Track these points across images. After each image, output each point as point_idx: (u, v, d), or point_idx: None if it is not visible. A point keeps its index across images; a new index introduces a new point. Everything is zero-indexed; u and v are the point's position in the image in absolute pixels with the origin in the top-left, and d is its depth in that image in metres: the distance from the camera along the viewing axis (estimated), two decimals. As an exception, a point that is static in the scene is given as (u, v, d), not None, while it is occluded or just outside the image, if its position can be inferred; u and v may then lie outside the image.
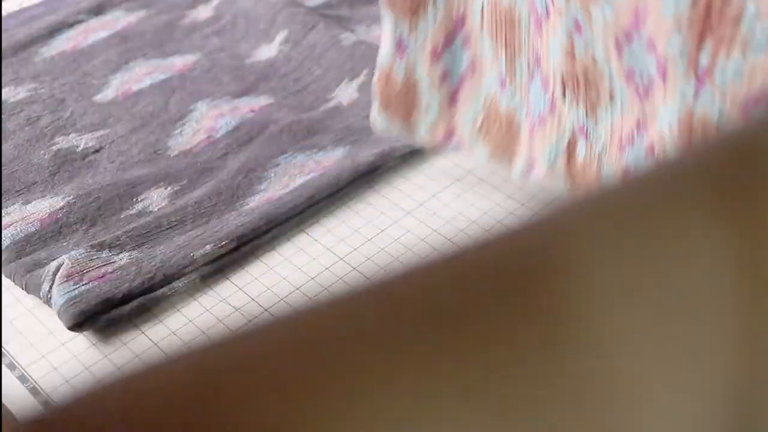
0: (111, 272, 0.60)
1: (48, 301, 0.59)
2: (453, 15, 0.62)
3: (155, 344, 0.59)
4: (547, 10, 0.59)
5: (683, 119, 0.53)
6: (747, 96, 0.50)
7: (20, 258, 0.62)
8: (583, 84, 0.58)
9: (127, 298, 0.59)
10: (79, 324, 0.58)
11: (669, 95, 0.53)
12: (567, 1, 0.59)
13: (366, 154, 0.70)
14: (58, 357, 0.58)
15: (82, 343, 0.59)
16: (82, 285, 0.59)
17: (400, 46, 0.63)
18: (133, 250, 0.62)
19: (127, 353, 0.59)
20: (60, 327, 0.60)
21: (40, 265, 0.61)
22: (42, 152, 0.70)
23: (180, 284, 0.60)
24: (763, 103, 0.48)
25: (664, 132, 0.53)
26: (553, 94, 0.58)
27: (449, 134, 0.62)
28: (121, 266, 0.61)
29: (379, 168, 0.69)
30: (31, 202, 0.66)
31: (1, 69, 0.77)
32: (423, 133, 0.63)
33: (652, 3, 0.55)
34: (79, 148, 0.71)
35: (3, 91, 0.76)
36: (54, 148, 0.71)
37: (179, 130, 0.73)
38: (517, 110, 0.60)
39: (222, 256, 0.62)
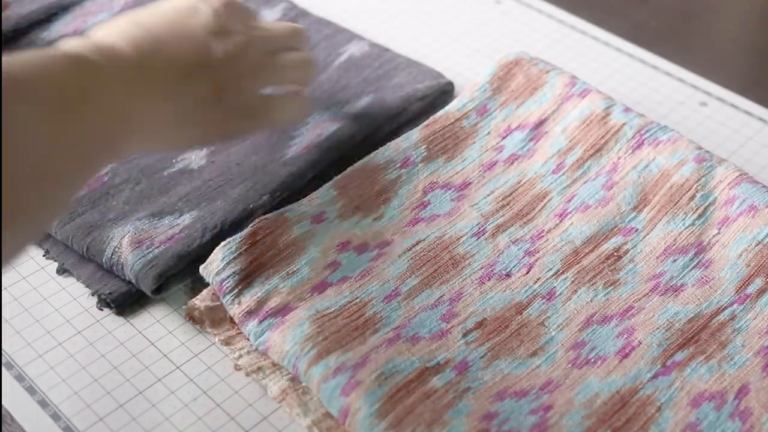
0: (179, 233, 0.63)
1: (110, 267, 0.62)
2: (383, 236, 0.63)
3: (152, 343, 0.59)
4: (509, 273, 0.60)
5: (623, 394, 0.54)
6: (702, 392, 0.54)
7: (74, 220, 0.64)
8: (508, 332, 0.57)
9: (201, 252, 0.62)
10: (159, 288, 0.61)
11: (616, 372, 0.55)
12: (548, 270, 0.60)
13: (392, 98, 0.74)
14: (54, 356, 0.58)
15: (79, 342, 0.59)
16: (155, 248, 0.61)
17: (320, 217, 0.63)
18: (193, 210, 0.65)
19: (125, 353, 0.59)
20: (57, 326, 0.60)
21: (96, 227, 0.63)
22: None
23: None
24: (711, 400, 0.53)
25: (574, 400, 0.53)
26: (451, 326, 0.57)
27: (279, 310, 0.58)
28: (187, 226, 0.63)
29: (404, 111, 0.73)
30: None
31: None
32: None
33: (649, 305, 0.58)
34: None
35: None
36: None
37: None
38: (384, 320, 0.57)
39: (276, 205, 0.66)
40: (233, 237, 0.61)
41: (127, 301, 0.61)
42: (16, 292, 0.62)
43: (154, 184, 0.67)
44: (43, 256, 0.65)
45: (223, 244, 0.60)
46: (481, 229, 0.63)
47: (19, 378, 0.57)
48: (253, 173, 0.68)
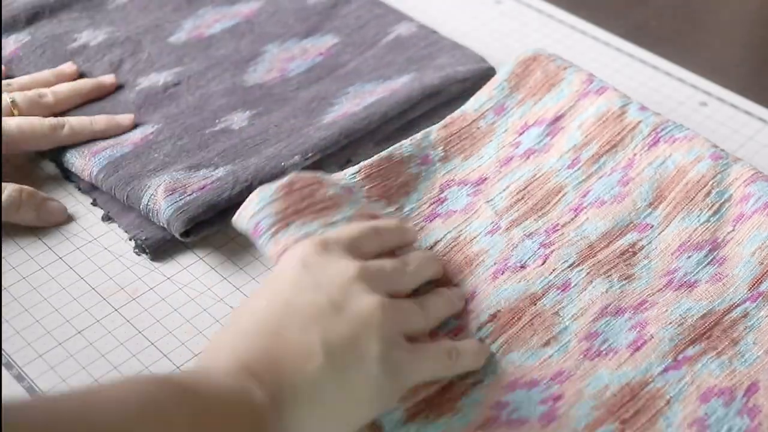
0: (211, 183, 0.66)
1: (147, 214, 0.65)
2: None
3: (152, 343, 0.59)
4: (524, 264, 0.60)
5: (633, 386, 0.54)
6: (711, 388, 0.54)
7: (117, 172, 0.68)
8: (521, 323, 0.57)
9: (229, 203, 0.65)
10: (187, 232, 0.64)
11: (627, 365, 0.55)
12: (564, 262, 0.60)
13: (432, 77, 0.76)
14: (54, 356, 0.58)
15: (79, 342, 0.59)
16: (187, 196, 0.65)
17: (350, 191, 0.62)
18: (227, 165, 0.68)
19: (125, 352, 0.59)
20: (57, 326, 0.60)
21: (137, 177, 0.67)
22: (127, 92, 0.76)
23: None
24: (719, 397, 0.53)
25: (584, 391, 0.53)
26: (464, 322, 0.57)
27: None
28: (219, 178, 0.67)
29: (443, 91, 0.75)
30: None
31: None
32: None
33: (663, 300, 0.58)
34: (160, 83, 0.77)
35: (84, 33, 0.81)
36: (137, 88, 0.77)
37: (253, 68, 0.79)
38: None
39: (307, 167, 0.68)
40: (269, 184, 0.58)
41: (161, 247, 0.65)
42: (16, 292, 0.62)
43: (195, 140, 0.71)
44: (91, 203, 0.69)
45: (259, 189, 0.58)
46: (495, 226, 0.63)
47: (19, 378, 0.57)
48: (288, 135, 0.71)
